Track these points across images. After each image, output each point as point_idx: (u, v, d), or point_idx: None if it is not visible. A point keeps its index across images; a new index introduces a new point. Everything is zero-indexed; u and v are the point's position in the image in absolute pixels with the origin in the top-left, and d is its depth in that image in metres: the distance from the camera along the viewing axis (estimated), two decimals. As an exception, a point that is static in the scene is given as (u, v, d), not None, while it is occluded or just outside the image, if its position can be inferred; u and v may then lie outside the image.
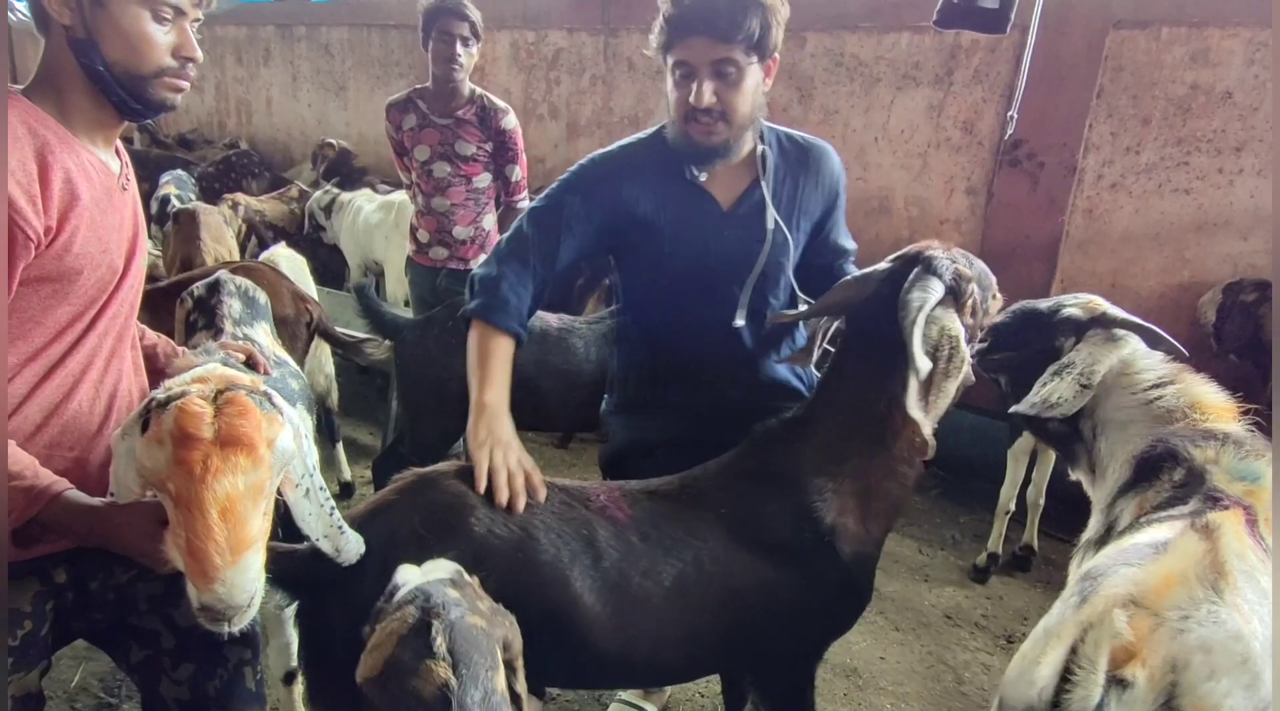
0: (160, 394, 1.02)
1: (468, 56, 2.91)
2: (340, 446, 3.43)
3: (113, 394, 1.23)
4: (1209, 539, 1.16)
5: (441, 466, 1.42)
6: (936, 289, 1.35)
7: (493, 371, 1.50)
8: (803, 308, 1.70)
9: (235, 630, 1.01)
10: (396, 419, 3.35)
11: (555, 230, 1.57)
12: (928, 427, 1.35)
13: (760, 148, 1.60)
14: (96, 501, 1.11)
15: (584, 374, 2.65)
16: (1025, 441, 2.99)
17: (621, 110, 5.20)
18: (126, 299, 1.23)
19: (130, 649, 1.29)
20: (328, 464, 3.37)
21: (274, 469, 1.03)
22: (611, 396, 1.87)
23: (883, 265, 1.47)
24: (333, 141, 6.01)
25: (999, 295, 1.57)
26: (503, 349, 1.52)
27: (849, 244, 1.83)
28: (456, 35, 2.86)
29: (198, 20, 1.17)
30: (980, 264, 1.49)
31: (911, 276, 1.37)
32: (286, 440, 1.06)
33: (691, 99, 1.44)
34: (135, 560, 1.14)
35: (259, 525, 1.00)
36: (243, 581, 0.97)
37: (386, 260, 4.59)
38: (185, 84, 1.18)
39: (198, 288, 2.12)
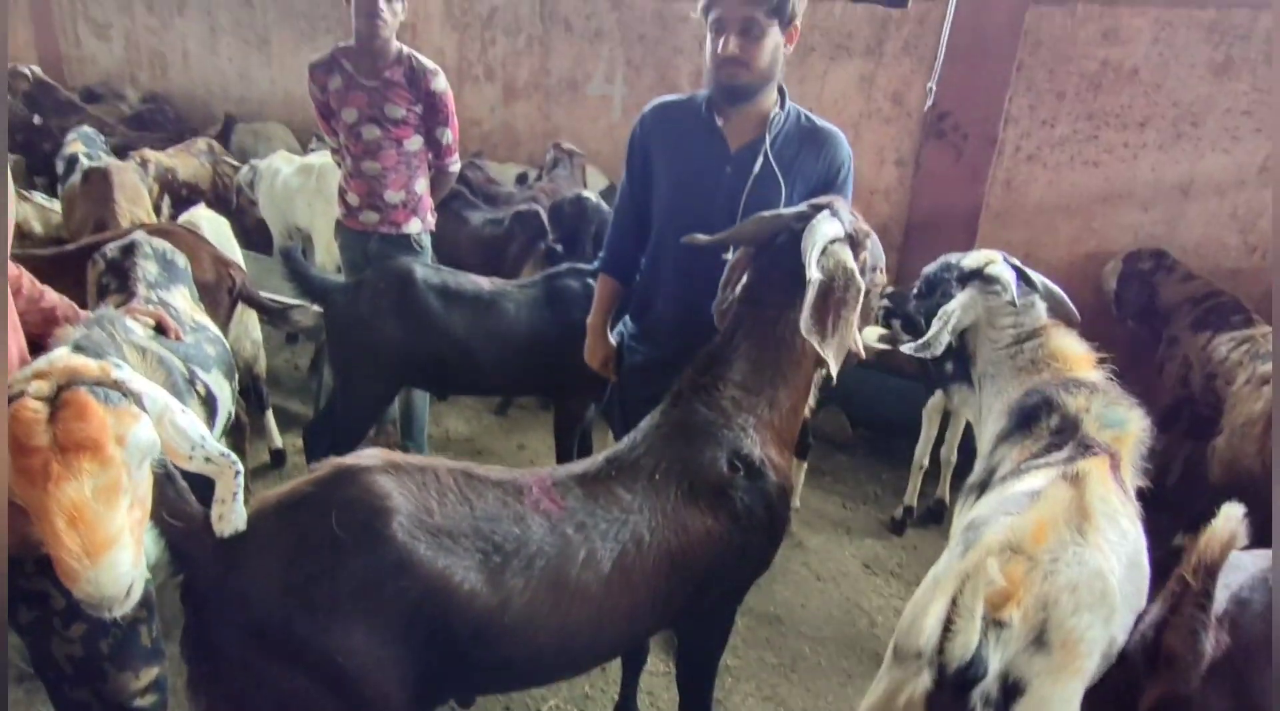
0: None
1: (391, 13, 2.81)
2: (270, 414, 3.37)
3: None
4: (1076, 486, 1.28)
5: (366, 458, 1.31)
6: (837, 227, 1.56)
7: (598, 303, 2.14)
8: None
9: (118, 616, 0.99)
10: (329, 389, 3.31)
11: (630, 188, 2.02)
12: (829, 353, 1.48)
13: (776, 112, 1.86)
14: None
15: (517, 336, 2.66)
16: (937, 400, 3.16)
17: (559, 72, 5.12)
18: None
19: (19, 610, 1.27)
20: (258, 433, 3.32)
21: (130, 464, 1.00)
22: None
23: (795, 208, 1.67)
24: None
25: (884, 272, 1.82)
26: (607, 288, 2.13)
27: None
28: (380, -11, 2.77)
29: None
30: (877, 241, 1.70)
31: (818, 216, 1.58)
32: (143, 432, 1.01)
33: (720, 49, 1.74)
34: None
35: (118, 523, 0.96)
36: (109, 579, 0.94)
37: (312, 228, 4.35)
38: None
39: (110, 249, 2.05)
